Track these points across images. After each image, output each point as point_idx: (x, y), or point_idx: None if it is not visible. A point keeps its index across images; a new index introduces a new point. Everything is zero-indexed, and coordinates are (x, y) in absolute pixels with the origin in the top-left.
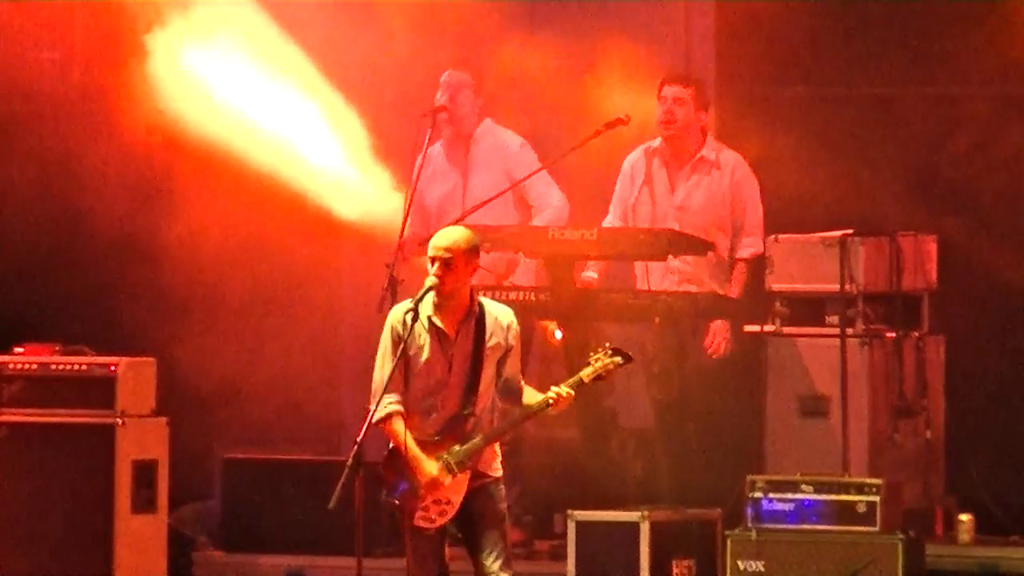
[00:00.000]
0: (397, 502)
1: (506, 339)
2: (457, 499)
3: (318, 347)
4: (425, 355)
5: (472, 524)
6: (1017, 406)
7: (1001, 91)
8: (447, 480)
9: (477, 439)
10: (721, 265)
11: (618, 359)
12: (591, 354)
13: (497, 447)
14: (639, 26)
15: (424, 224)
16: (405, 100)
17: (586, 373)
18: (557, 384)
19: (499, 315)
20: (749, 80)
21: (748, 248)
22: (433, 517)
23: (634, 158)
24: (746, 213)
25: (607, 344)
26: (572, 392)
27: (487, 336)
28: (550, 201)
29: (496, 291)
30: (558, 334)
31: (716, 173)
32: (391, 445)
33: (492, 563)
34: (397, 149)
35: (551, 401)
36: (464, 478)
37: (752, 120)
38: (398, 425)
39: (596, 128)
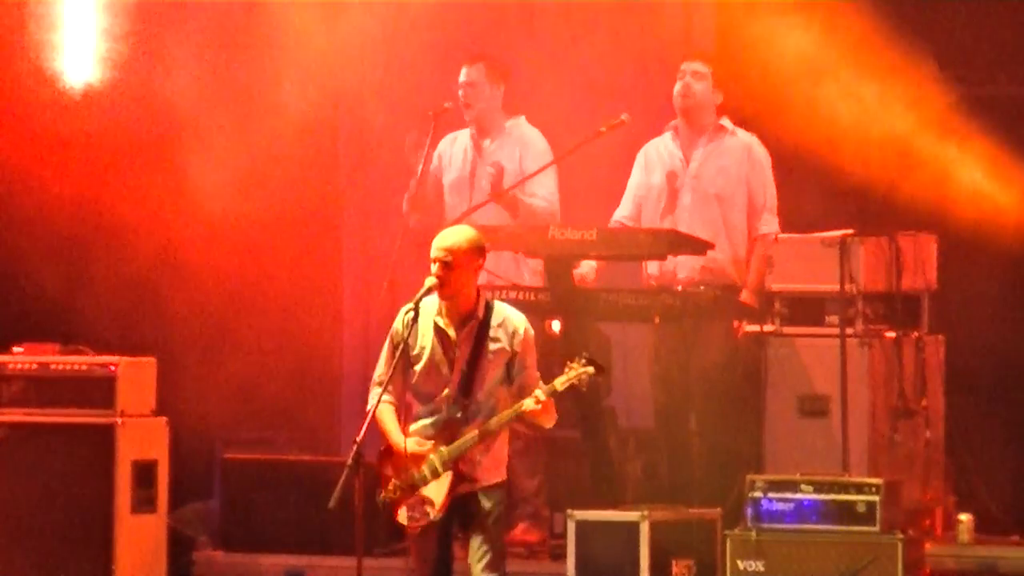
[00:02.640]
0: (382, 500)
1: (511, 344)
2: (439, 500)
3: (318, 347)
4: (426, 356)
5: (464, 528)
6: (1017, 406)
7: (1003, 91)
8: (429, 472)
9: (459, 442)
10: (737, 237)
11: (591, 369)
12: (568, 362)
13: (498, 455)
14: (639, 26)
15: (439, 211)
16: (405, 97)
17: (560, 381)
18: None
19: (506, 319)
20: (750, 80)
21: (767, 225)
22: (417, 516)
23: (650, 146)
24: (764, 190)
25: (583, 353)
26: (545, 399)
27: (489, 340)
28: (545, 194)
29: (496, 291)
30: (555, 326)
31: (733, 140)
32: (384, 444)
33: (475, 565)
34: (396, 147)
35: (524, 409)
36: (446, 479)
37: (752, 120)
38: (384, 411)
39: (596, 129)
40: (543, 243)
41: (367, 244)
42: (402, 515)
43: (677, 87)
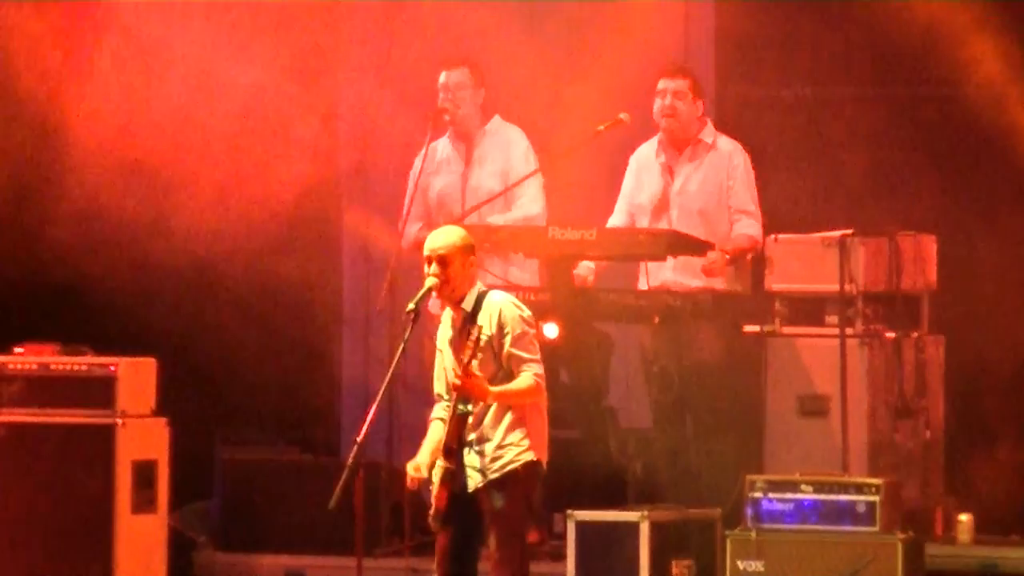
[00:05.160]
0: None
1: (490, 327)
2: (434, 497)
3: (318, 347)
4: (445, 359)
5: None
6: (1017, 406)
7: (1001, 90)
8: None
9: (441, 437)
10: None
11: (477, 337)
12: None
13: (508, 446)
14: (639, 26)
15: (427, 217)
16: (407, 98)
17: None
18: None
19: (487, 305)
20: (749, 80)
21: (744, 229)
22: (431, 515)
23: (639, 155)
24: (740, 195)
25: (478, 325)
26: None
27: (474, 330)
28: (531, 207)
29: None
30: (547, 331)
31: (713, 155)
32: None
33: (487, 565)
34: (396, 148)
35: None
36: (438, 476)
37: (752, 120)
38: (432, 424)
39: (595, 129)
40: (543, 243)
41: (367, 244)
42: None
43: (658, 105)
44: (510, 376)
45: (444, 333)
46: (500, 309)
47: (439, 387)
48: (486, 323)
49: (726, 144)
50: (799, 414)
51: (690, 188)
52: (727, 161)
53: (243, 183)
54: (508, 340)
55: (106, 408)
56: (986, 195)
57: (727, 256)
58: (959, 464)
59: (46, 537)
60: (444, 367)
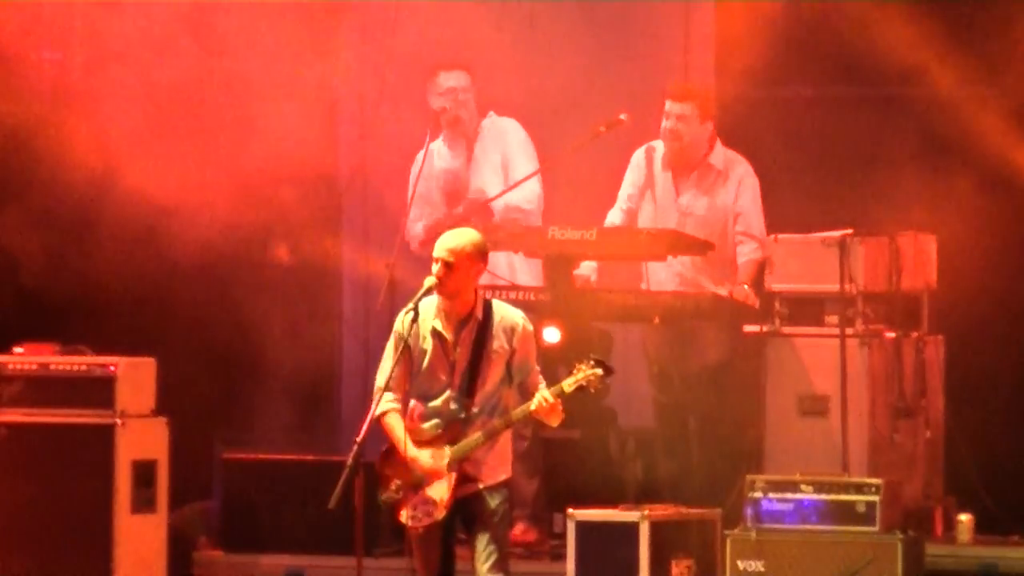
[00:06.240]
0: (384, 500)
1: (510, 343)
2: (443, 501)
3: (318, 347)
4: (427, 359)
5: (468, 528)
6: (1017, 406)
7: (1000, 91)
8: (443, 473)
9: (464, 443)
10: (722, 270)
11: (599, 371)
12: (576, 364)
13: (501, 457)
14: (639, 26)
15: (431, 217)
16: (407, 98)
17: (568, 383)
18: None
19: (504, 318)
20: (749, 80)
21: (749, 255)
22: (420, 516)
23: (642, 154)
24: (748, 218)
25: (591, 355)
26: (552, 400)
27: (489, 340)
28: (529, 193)
29: (496, 291)
30: (548, 336)
31: (722, 181)
32: (387, 445)
33: (481, 565)
34: (396, 148)
35: (533, 409)
36: (450, 481)
37: (752, 120)
38: (393, 420)
39: (595, 128)
40: (543, 243)
41: (367, 245)
42: (404, 515)
43: (662, 126)
44: (522, 386)
45: (427, 329)
46: (523, 327)
47: (382, 379)
48: (503, 338)
49: (736, 168)
50: (799, 414)
51: (696, 211)
52: (735, 187)
53: (243, 182)
54: (528, 356)
55: (106, 408)
56: (986, 195)
57: (747, 286)
58: (959, 464)
59: (46, 537)
60: (432, 363)
